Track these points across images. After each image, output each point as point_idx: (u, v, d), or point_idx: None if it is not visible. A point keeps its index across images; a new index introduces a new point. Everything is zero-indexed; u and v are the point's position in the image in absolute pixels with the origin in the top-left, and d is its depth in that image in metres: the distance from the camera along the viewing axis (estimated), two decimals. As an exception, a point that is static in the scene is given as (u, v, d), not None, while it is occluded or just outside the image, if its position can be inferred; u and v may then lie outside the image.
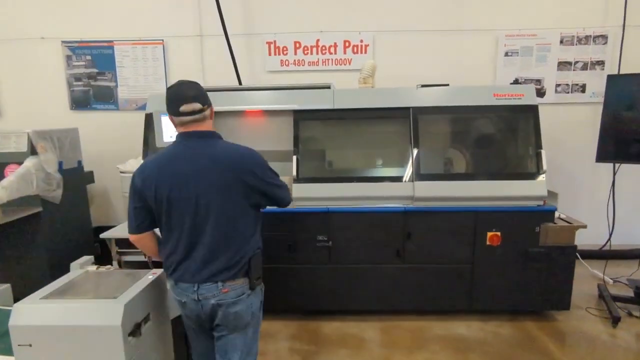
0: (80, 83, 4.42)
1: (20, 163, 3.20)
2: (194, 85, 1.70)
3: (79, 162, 3.90)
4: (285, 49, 4.28)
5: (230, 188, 1.65)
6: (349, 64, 4.26)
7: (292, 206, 2.99)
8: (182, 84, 1.69)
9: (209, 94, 1.74)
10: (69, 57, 4.36)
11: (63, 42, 4.33)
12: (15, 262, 3.41)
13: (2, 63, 4.40)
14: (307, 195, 2.97)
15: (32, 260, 3.40)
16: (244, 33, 4.26)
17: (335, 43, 4.24)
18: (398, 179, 3.01)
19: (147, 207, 1.68)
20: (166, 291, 1.98)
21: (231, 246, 1.67)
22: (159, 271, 2.08)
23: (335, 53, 4.26)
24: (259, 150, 1.76)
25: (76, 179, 3.84)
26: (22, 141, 3.26)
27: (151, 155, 1.89)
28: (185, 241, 1.65)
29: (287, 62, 4.31)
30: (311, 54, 4.28)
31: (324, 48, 4.26)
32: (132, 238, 1.77)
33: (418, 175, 2.97)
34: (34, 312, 1.64)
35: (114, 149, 4.44)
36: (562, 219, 3.07)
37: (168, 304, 1.98)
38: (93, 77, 4.40)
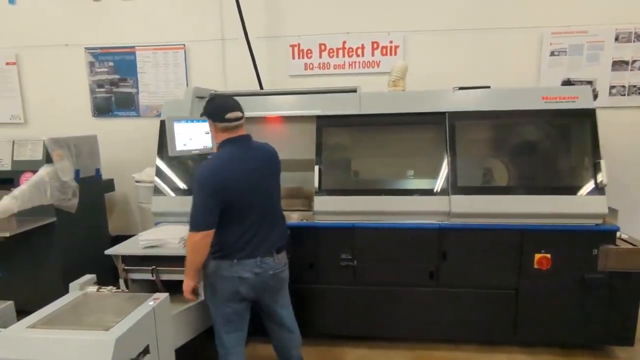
0: (102, 90, 4.35)
1: (35, 171, 3.10)
2: (231, 97, 2.18)
3: (97, 170, 3.79)
4: (309, 51, 4.05)
5: (275, 176, 2.19)
6: (378, 66, 3.98)
7: (314, 220, 2.74)
8: (222, 96, 2.16)
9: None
10: (91, 64, 4.31)
11: (86, 48, 4.29)
12: (28, 275, 3.31)
13: (27, 70, 4.40)
14: (330, 209, 2.71)
15: (46, 273, 3.29)
16: (267, 36, 4.07)
17: (362, 45, 3.97)
18: (432, 192, 2.69)
19: (219, 204, 1.95)
20: (169, 319, 1.76)
21: (281, 225, 2.21)
22: (162, 296, 1.88)
23: (363, 55, 3.99)
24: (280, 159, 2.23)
25: (94, 187, 3.73)
26: (37, 149, 3.17)
27: (209, 160, 2.09)
28: (256, 224, 2.04)
29: (311, 66, 4.08)
30: (337, 56, 4.03)
31: (350, 50, 4.00)
32: (200, 236, 1.94)
33: (455, 188, 2.65)
34: (16, 343, 1.45)
35: (133, 157, 4.34)
36: (624, 240, 2.66)
37: (172, 332, 1.76)
38: (115, 83, 4.32)
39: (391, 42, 3.94)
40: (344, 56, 4.02)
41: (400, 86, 2.95)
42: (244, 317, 2.18)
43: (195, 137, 2.69)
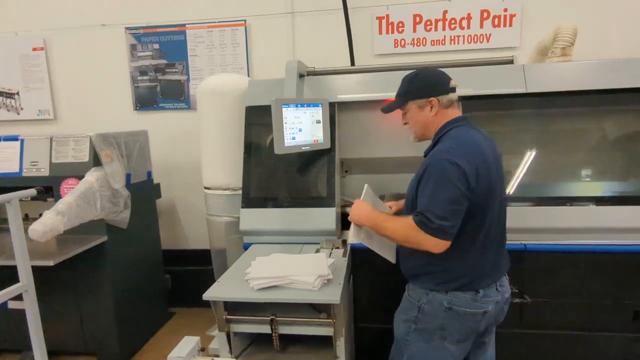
0: (145, 77, 3.64)
1: (80, 177, 2.40)
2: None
3: (149, 174, 3.08)
4: (400, 25, 3.30)
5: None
6: (488, 40, 3.22)
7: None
8: (425, 68, 1.63)
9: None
10: (133, 47, 3.60)
11: (127, 28, 3.57)
12: (73, 306, 2.62)
13: (57, 57, 3.70)
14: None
15: (95, 302, 2.60)
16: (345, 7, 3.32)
17: (469, 14, 3.21)
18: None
19: (466, 202, 1.37)
20: None
21: (505, 237, 1.61)
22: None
23: (469, 28, 3.23)
24: (400, 156, 1.86)
25: (145, 195, 3.03)
26: (83, 148, 2.46)
27: (450, 142, 1.44)
28: (497, 234, 1.52)
29: (402, 42, 3.32)
30: (435, 30, 3.27)
31: (453, 22, 3.24)
32: (433, 242, 1.35)
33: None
34: None
35: (183, 157, 3.67)
36: None
37: None
38: (161, 69, 3.61)
39: (506, 10, 3.17)
40: (444, 29, 3.26)
41: (570, 55, 2.18)
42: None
43: (305, 127, 1.96)
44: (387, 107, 1.66)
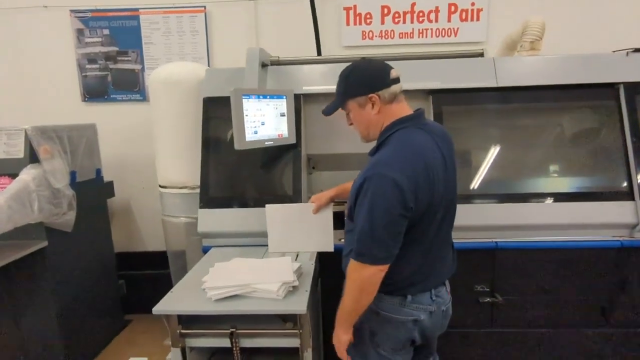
0: (95, 66, 3.34)
1: (14, 176, 2.13)
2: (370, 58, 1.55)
3: (98, 172, 2.82)
4: (368, 16, 3.19)
5: (456, 176, 1.45)
6: (455, 35, 3.18)
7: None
8: (363, 59, 1.51)
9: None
10: (80, 32, 3.29)
11: (72, 11, 3.25)
12: (10, 320, 2.34)
13: (-8, 41, 3.32)
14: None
15: (35, 314, 2.33)
16: (312, -4, 3.18)
17: (437, 7, 3.15)
18: (605, 196, 1.92)
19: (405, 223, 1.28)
20: None
21: (451, 244, 1.54)
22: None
23: (437, 21, 3.18)
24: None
25: (94, 194, 2.77)
26: (17, 143, 2.18)
27: (389, 153, 1.31)
28: (439, 242, 1.42)
29: (370, 34, 3.23)
30: (404, 22, 3.20)
31: (421, 14, 3.17)
32: (373, 270, 1.27)
33: (642, 190, 1.89)
34: None
35: (138, 153, 3.41)
36: None
37: None
38: (112, 57, 3.32)
39: (473, 4, 3.14)
40: (412, 22, 3.19)
41: (539, 49, 2.15)
42: None
43: (268, 120, 1.81)
44: (327, 109, 1.48)
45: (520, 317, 1.98)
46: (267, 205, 1.62)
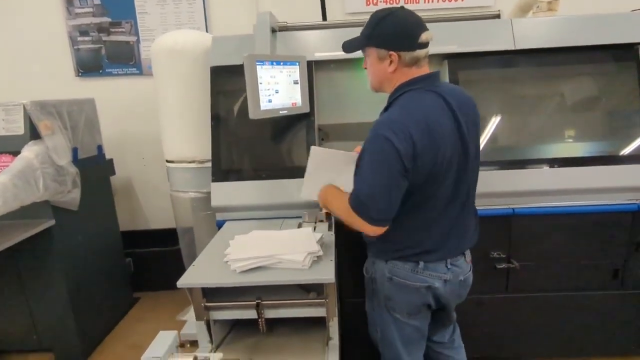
0: (87, 39, 3.20)
1: (15, 153, 2.05)
2: (410, 11, 1.32)
3: (99, 148, 2.74)
4: (373, -20, 3.08)
5: (477, 139, 1.42)
6: (462, -1, 3.09)
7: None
8: (402, 8, 1.32)
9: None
10: (69, 2, 3.12)
11: (59, -21, 3.08)
12: (21, 299, 2.32)
13: (-25, 13, 3.15)
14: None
15: (46, 293, 2.31)
16: (313, -42, 3.03)
17: (443, -31, 3.05)
18: (621, 159, 1.91)
19: (405, 183, 1.27)
20: None
21: (474, 213, 1.49)
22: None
23: (444, -16, 3.08)
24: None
25: (97, 172, 2.70)
26: (16, 119, 2.09)
27: (391, 113, 1.30)
28: (455, 211, 1.38)
29: (375, 0, 3.12)
30: (409, -14, 3.09)
31: (427, -23, 3.06)
32: (371, 230, 1.30)
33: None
34: None
35: (137, 129, 3.33)
36: None
37: None
38: (105, 29, 3.17)
39: (481, -34, 3.03)
40: (418, -14, 3.08)
41: (556, 10, 2.08)
42: (425, 334, 1.58)
43: (282, 88, 1.74)
44: (349, 46, 1.42)
45: (536, 282, 2.00)
46: (312, 147, 1.51)
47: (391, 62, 1.30)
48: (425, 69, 1.34)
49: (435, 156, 1.25)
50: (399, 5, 1.33)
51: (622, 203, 1.90)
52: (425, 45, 1.29)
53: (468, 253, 1.49)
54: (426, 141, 1.22)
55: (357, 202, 1.26)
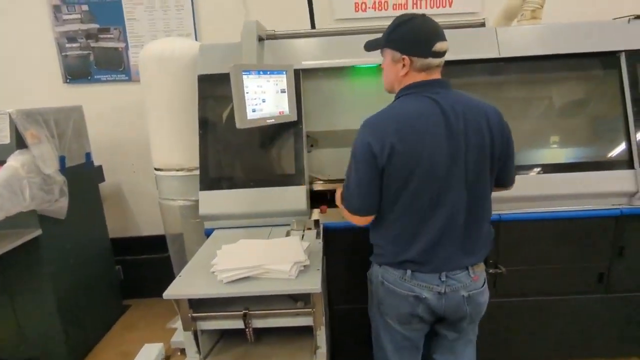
0: (75, 45, 3.18)
1: (1, 163, 2.03)
2: (431, 19, 1.36)
3: (88, 156, 2.72)
4: (361, -13, 3.10)
5: (485, 154, 1.34)
6: (450, 5, 3.12)
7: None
8: (422, 16, 1.36)
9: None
10: (56, 8, 3.11)
11: (47, -15, 3.07)
12: (8, 310, 2.29)
13: (-39, 19, 3.12)
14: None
15: (33, 303, 2.29)
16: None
17: (431, -24, 3.08)
18: (605, 165, 1.94)
19: (380, 178, 1.34)
20: None
21: (482, 225, 1.43)
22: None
23: (432, -9, 3.11)
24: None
25: (85, 180, 2.68)
26: (2, 128, 2.07)
27: (383, 111, 1.38)
28: (435, 225, 1.35)
29: (363, 6, 3.14)
30: (397, -8, 3.11)
31: (415, -16, 3.09)
32: (358, 220, 1.44)
33: (643, 158, 1.91)
34: None
35: (127, 136, 3.31)
36: None
37: None
38: (93, 35, 3.16)
39: (468, -28, 3.06)
40: (406, -8, 3.11)
41: (540, 18, 2.11)
42: (419, 347, 1.55)
43: (269, 97, 1.75)
44: (369, 44, 1.52)
45: (523, 287, 2.02)
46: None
47: (403, 65, 1.34)
48: (434, 77, 1.37)
49: (417, 161, 1.28)
50: (421, 13, 1.38)
51: (606, 208, 1.93)
52: (439, 54, 1.32)
53: (475, 270, 1.41)
54: (406, 143, 1.27)
55: (343, 194, 1.43)
